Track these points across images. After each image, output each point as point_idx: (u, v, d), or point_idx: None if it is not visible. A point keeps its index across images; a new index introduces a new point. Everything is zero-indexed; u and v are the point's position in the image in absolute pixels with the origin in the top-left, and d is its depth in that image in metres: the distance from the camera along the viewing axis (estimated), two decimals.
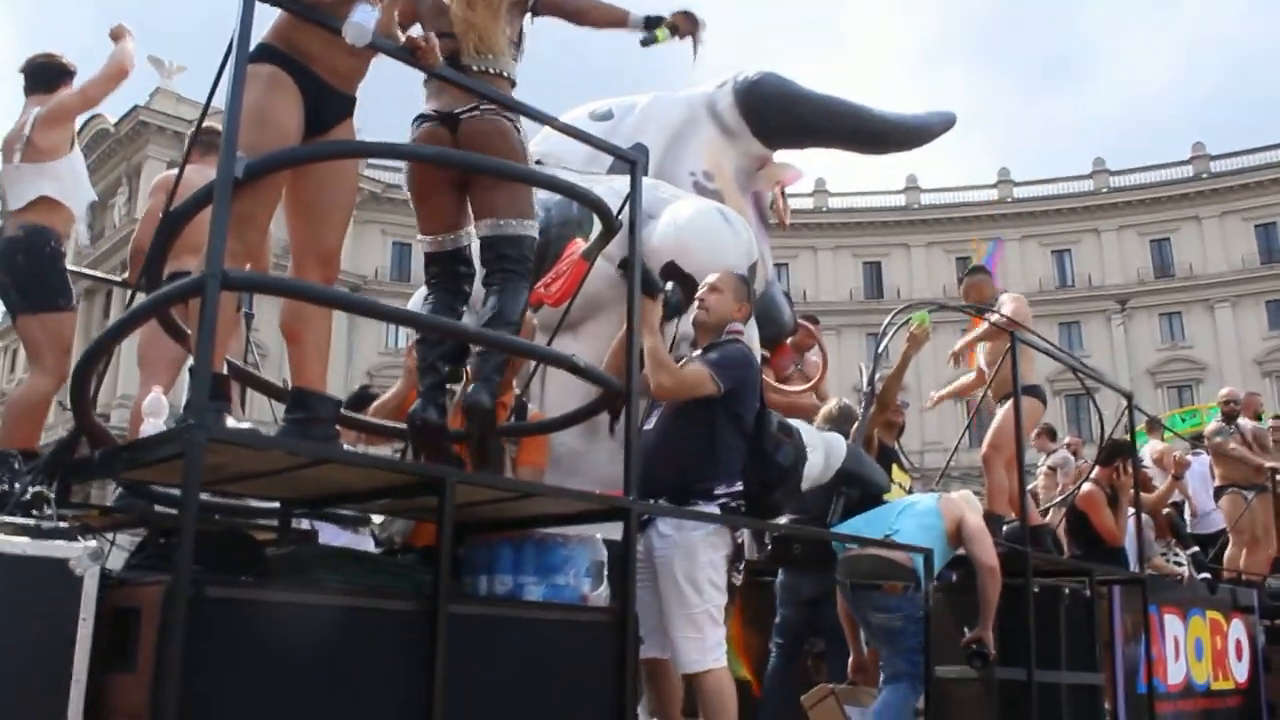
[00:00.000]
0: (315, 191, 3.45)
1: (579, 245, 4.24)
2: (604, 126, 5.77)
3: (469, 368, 3.74)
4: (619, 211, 3.91)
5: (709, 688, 4.04)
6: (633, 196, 3.81)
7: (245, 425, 3.21)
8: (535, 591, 3.41)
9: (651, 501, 4.17)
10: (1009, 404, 6.94)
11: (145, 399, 3.26)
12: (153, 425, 2.98)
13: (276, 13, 3.27)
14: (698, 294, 4.57)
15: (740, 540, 4.26)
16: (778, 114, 6.02)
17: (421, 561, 3.45)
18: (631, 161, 3.85)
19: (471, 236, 3.88)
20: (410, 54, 3.36)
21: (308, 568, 3.10)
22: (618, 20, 4.16)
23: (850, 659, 5.58)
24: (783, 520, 4.89)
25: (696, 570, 4.07)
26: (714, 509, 4.14)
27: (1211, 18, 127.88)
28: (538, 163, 5.90)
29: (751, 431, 4.35)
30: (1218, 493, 10.48)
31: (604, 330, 5.10)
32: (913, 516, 5.24)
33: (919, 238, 51.98)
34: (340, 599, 2.86)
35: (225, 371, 3.35)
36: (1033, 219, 51.29)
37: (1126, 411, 7.74)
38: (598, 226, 4.00)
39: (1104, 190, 51.86)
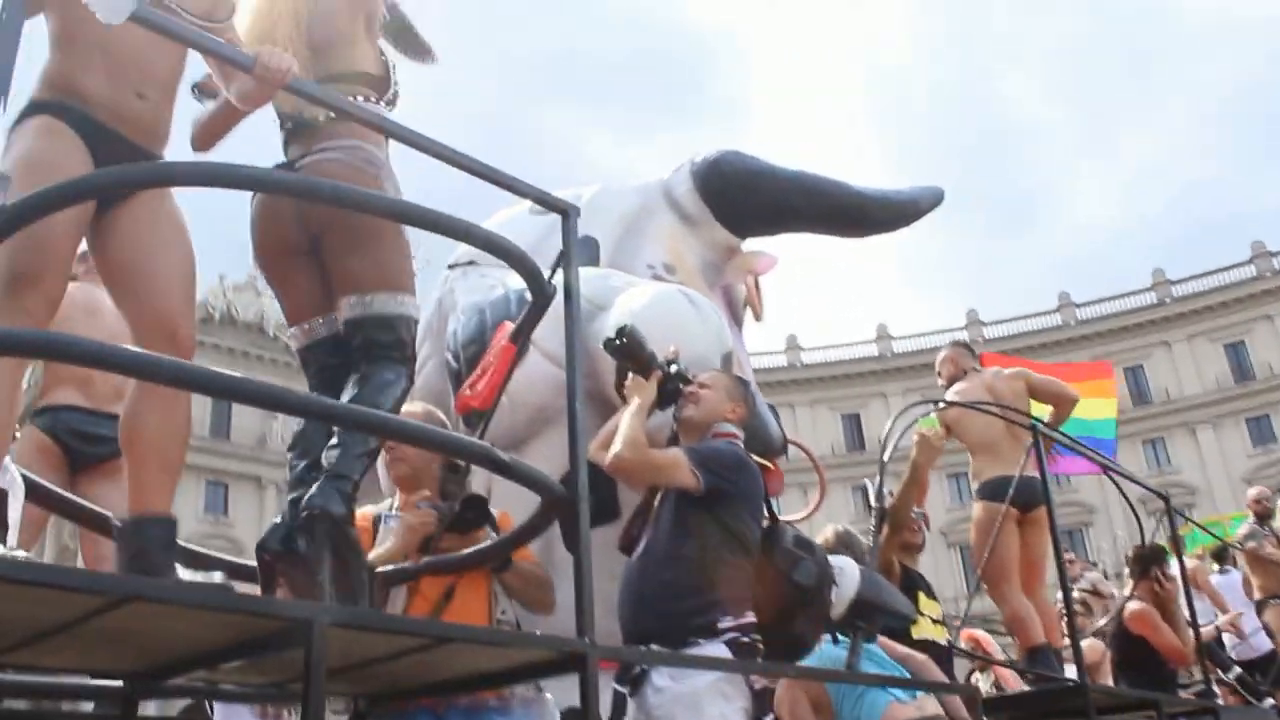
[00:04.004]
0: (134, 256, 2.73)
1: (507, 329, 3.40)
2: (544, 221, 4.99)
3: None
4: (550, 276, 3.10)
5: None
6: (566, 255, 3.02)
7: (20, 554, 2.30)
8: None
9: (628, 646, 3.25)
10: (979, 508, 6.17)
11: None
12: None
13: None
14: (684, 390, 3.80)
15: (762, 686, 3.33)
16: (742, 195, 5.26)
17: None
18: (562, 211, 3.05)
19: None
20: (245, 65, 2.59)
21: None
22: None
23: None
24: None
25: None
26: (719, 647, 3.25)
27: (1146, 155, 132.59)
28: (470, 263, 5.13)
29: (759, 549, 3.51)
30: (1259, 606, 9.47)
31: (555, 451, 4.21)
32: None
33: (895, 385, 51.72)
34: None
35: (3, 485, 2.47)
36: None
37: (1165, 517, 6.83)
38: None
39: (1072, 324, 52.11)
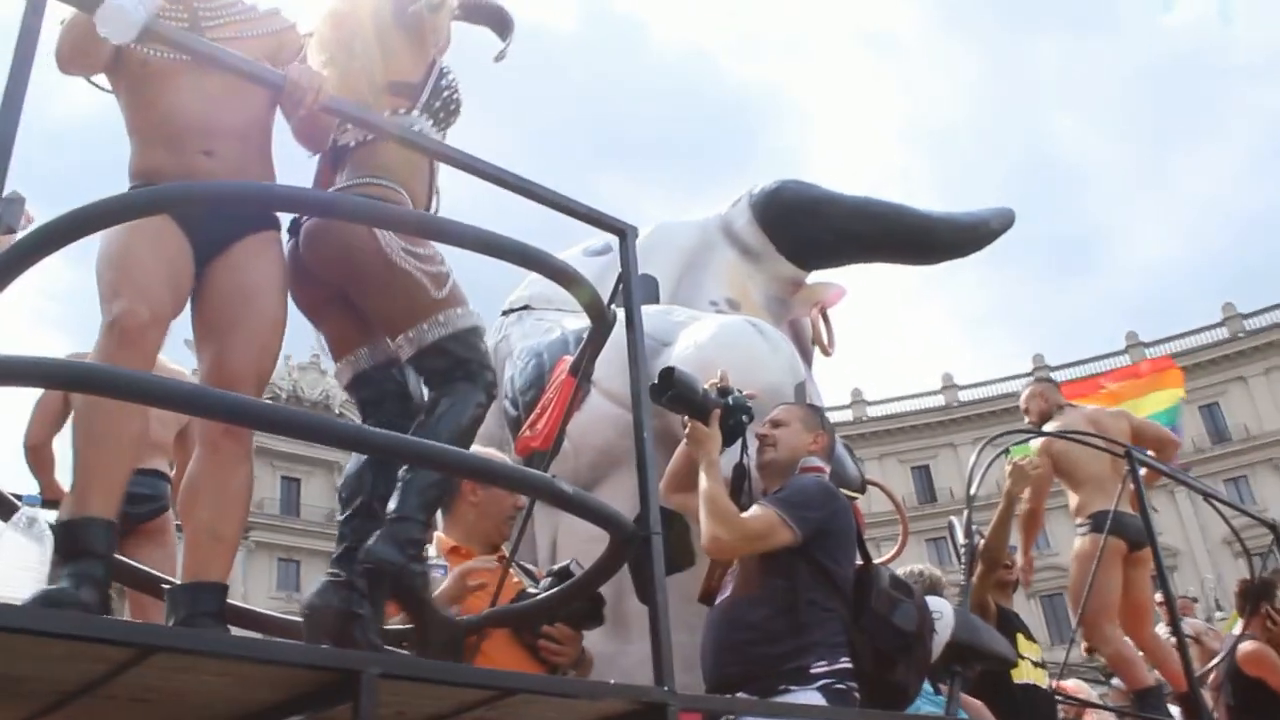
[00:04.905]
0: (219, 308, 2.74)
1: (566, 363, 3.20)
2: (600, 261, 4.83)
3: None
4: (610, 301, 2.90)
5: None
6: (626, 278, 2.83)
7: None
8: None
9: (712, 695, 3.00)
10: (1083, 540, 5.96)
11: None
12: None
13: None
14: (757, 433, 3.54)
15: None
16: (805, 224, 5.01)
17: None
18: (619, 232, 2.86)
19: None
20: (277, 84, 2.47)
21: None
22: None
23: None
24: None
25: None
26: (812, 694, 2.99)
27: (1206, 187, 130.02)
28: (524, 307, 4.96)
29: (852, 589, 3.26)
30: None
31: (622, 495, 3.99)
32: None
33: (963, 435, 50.69)
34: None
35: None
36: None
37: (1274, 546, 6.42)
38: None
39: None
